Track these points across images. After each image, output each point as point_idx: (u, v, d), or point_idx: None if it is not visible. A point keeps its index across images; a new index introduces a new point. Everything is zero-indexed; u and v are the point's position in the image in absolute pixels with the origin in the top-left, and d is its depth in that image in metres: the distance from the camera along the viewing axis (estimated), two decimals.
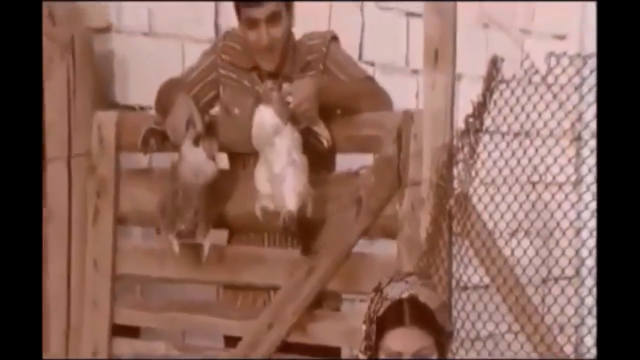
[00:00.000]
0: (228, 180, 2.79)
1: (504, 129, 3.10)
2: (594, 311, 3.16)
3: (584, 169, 3.59)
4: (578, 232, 3.37)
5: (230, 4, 2.84)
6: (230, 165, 2.93)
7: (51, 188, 2.94)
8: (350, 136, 2.72)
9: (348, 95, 2.71)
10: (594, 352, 3.05)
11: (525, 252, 3.26)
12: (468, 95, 2.99)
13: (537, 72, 3.00)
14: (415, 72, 3.92)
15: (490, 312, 3.00)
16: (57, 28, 2.96)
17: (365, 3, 3.90)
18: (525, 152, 3.20)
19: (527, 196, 3.28)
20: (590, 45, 4.41)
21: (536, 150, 3.24)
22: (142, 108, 3.16)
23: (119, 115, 2.94)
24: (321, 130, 2.65)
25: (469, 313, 2.80)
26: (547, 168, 3.26)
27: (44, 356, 2.45)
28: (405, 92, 3.84)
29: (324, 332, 2.75)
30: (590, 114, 3.50)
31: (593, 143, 3.44)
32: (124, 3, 3.18)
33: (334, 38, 2.87)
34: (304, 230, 2.64)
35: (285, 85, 2.66)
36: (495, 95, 2.99)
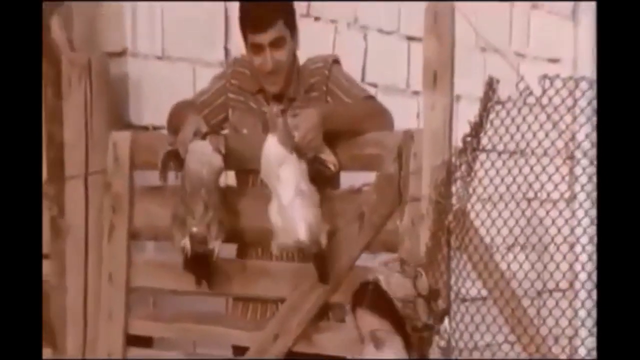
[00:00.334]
0: (236, 197, 2.79)
1: (500, 147, 3.13)
2: (587, 323, 3.18)
3: (577, 187, 3.62)
4: (571, 247, 3.39)
5: (239, 32, 2.88)
6: (237, 182, 2.94)
7: (69, 204, 2.95)
8: (353, 155, 2.72)
9: (351, 119, 2.71)
10: None
11: (521, 265, 3.28)
12: (466, 115, 3.02)
13: (531, 93, 3.03)
14: (415, 93, 3.94)
15: (487, 323, 3.01)
16: (76, 53, 2.98)
17: (369, 29, 3.92)
18: (520, 170, 3.22)
19: (523, 212, 3.30)
20: (583, 68, 4.46)
21: (531, 169, 3.26)
22: (155, 128, 3.17)
23: (133, 135, 2.95)
24: (327, 156, 2.64)
25: (468, 324, 2.81)
26: (542, 185, 3.28)
27: None
28: (406, 113, 3.84)
29: (328, 342, 2.75)
30: (583, 133, 3.54)
31: (585, 162, 3.48)
32: (139, 29, 3.19)
33: (336, 61, 2.89)
34: (320, 260, 2.63)
35: (291, 115, 2.63)
36: (492, 116, 3.02)
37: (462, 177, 2.78)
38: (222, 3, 3.40)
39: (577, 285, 3.51)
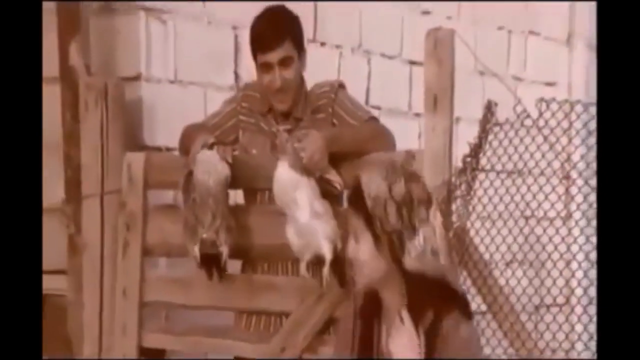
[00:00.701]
0: (243, 215, 2.80)
1: (499, 167, 3.15)
2: (584, 337, 3.20)
3: (573, 205, 3.64)
4: (568, 263, 3.41)
5: (249, 57, 2.90)
6: (245, 200, 2.95)
7: (86, 223, 2.96)
8: (357, 175, 2.75)
9: (355, 140, 2.73)
10: None
11: (519, 281, 3.30)
12: (465, 136, 3.05)
13: (528, 116, 3.06)
14: (417, 115, 3.96)
15: (487, 337, 3.03)
16: (93, 78, 3.01)
17: (372, 53, 3.95)
18: (518, 189, 3.25)
19: (521, 230, 3.32)
20: (578, 91, 4.49)
21: (528, 188, 3.29)
22: (168, 149, 3.18)
23: (146, 155, 2.96)
24: (333, 176, 2.66)
25: None
26: (539, 204, 3.31)
27: None
28: (407, 134, 3.85)
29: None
30: (578, 154, 3.57)
31: (581, 181, 3.50)
32: (153, 55, 3.21)
33: (342, 85, 2.92)
34: (338, 265, 2.63)
35: (297, 137, 2.65)
36: (490, 137, 3.04)
37: (462, 196, 2.80)
38: (232, 30, 3.44)
39: (574, 300, 3.53)
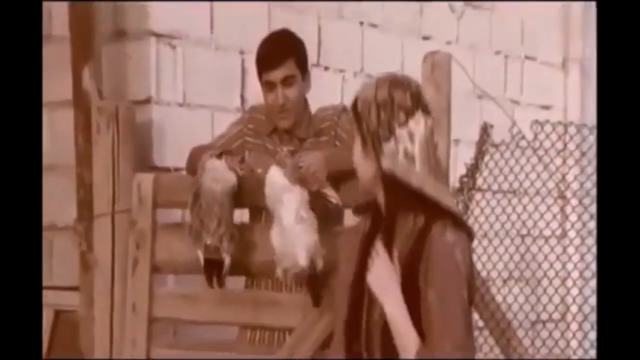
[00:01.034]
0: (248, 232, 2.81)
1: (495, 187, 3.19)
2: (579, 352, 3.22)
3: (568, 224, 3.67)
4: (563, 281, 3.44)
5: (255, 80, 2.93)
6: (250, 219, 2.97)
7: (97, 241, 2.98)
8: (357, 195, 2.77)
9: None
10: None
11: (516, 298, 3.33)
12: (463, 157, 3.09)
13: (524, 137, 3.10)
14: None
15: (485, 352, 3.06)
16: (104, 101, 3.03)
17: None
18: (514, 208, 3.29)
19: (517, 248, 3.35)
20: (573, 114, 4.53)
21: (524, 207, 3.33)
22: (176, 169, 3.19)
23: (155, 176, 2.97)
24: (329, 190, 2.68)
25: None
26: (534, 223, 3.34)
27: None
28: None
29: None
30: (572, 175, 3.60)
31: (575, 201, 3.54)
32: (162, 79, 3.24)
33: (345, 109, 2.96)
34: (313, 282, 2.65)
35: (300, 155, 2.70)
36: (487, 158, 3.08)
37: None
38: (239, 54, 3.48)
39: (569, 317, 3.56)
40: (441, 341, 1.81)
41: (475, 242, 3.06)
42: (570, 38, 4.55)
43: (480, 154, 2.90)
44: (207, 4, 3.38)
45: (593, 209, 2.45)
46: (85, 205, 3.02)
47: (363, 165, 2.01)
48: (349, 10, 3.80)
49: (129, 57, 3.23)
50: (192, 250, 2.73)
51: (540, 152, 3.03)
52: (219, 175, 2.68)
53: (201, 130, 3.26)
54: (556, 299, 3.27)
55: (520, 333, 3.09)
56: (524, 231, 3.32)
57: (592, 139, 2.66)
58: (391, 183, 1.94)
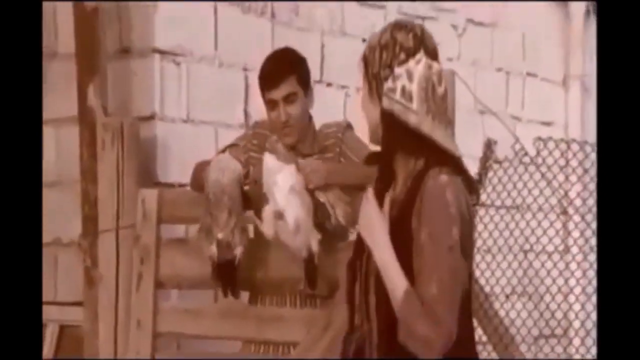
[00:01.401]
0: (253, 248, 2.80)
1: (498, 203, 3.18)
2: None
3: (570, 240, 3.66)
4: (566, 296, 3.43)
5: (258, 96, 2.92)
6: (255, 234, 2.93)
7: (102, 256, 2.97)
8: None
9: (357, 177, 2.72)
10: None
11: (518, 313, 3.32)
12: None
13: (526, 154, 3.09)
14: None
15: None
16: (109, 118, 3.04)
17: None
18: (517, 224, 3.28)
19: (520, 263, 3.34)
20: (574, 130, 4.53)
21: (527, 223, 3.31)
22: (180, 185, 3.18)
23: (159, 191, 2.98)
24: (329, 197, 2.69)
25: None
26: (537, 238, 3.33)
27: None
28: None
29: None
30: (575, 191, 3.60)
31: (578, 217, 3.52)
32: (166, 96, 3.25)
33: (349, 126, 2.96)
34: (309, 265, 2.65)
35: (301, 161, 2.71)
36: (490, 174, 3.08)
37: None
38: (242, 71, 3.48)
39: (571, 332, 3.54)
40: (429, 283, 1.79)
41: (478, 258, 3.06)
42: (571, 55, 4.56)
43: (484, 169, 2.89)
44: (211, 20, 3.38)
45: (595, 225, 2.43)
46: (90, 221, 3.01)
47: (370, 111, 1.96)
48: (352, 27, 3.80)
49: (134, 74, 3.23)
50: (204, 247, 2.70)
51: (543, 169, 3.02)
52: (224, 164, 2.66)
53: (205, 146, 3.25)
54: (559, 314, 3.26)
55: (523, 348, 3.08)
56: (527, 247, 3.31)
57: (594, 155, 2.65)
58: (389, 122, 1.90)
